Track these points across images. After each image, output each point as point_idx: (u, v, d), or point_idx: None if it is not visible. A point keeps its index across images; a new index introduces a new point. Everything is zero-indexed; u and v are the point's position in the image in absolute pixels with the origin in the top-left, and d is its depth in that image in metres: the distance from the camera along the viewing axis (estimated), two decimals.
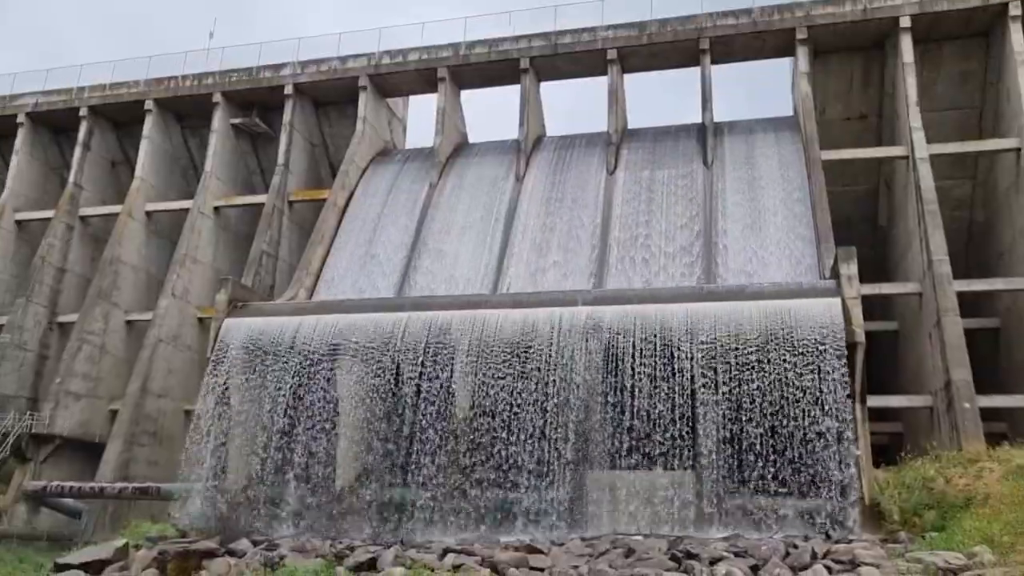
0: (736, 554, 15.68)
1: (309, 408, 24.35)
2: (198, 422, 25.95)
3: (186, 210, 37.77)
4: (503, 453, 22.42)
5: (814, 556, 15.06)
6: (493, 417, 22.74)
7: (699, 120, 34.69)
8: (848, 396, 20.61)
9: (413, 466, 23.07)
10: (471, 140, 39.74)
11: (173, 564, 15.62)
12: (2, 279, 39.97)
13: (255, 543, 18.78)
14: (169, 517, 24.78)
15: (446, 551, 17.04)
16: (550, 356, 22.69)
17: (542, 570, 15.14)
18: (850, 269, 22.05)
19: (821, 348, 20.99)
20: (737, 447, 21.17)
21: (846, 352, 20.80)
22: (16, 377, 36.43)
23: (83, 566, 17.18)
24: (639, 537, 18.98)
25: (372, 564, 15.77)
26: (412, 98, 43.43)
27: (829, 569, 13.84)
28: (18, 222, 40.77)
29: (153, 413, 33.43)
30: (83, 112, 40.49)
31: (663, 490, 21.29)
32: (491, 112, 74.42)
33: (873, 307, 28.95)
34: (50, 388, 34.65)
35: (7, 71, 43.14)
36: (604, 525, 21.01)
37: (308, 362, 24.68)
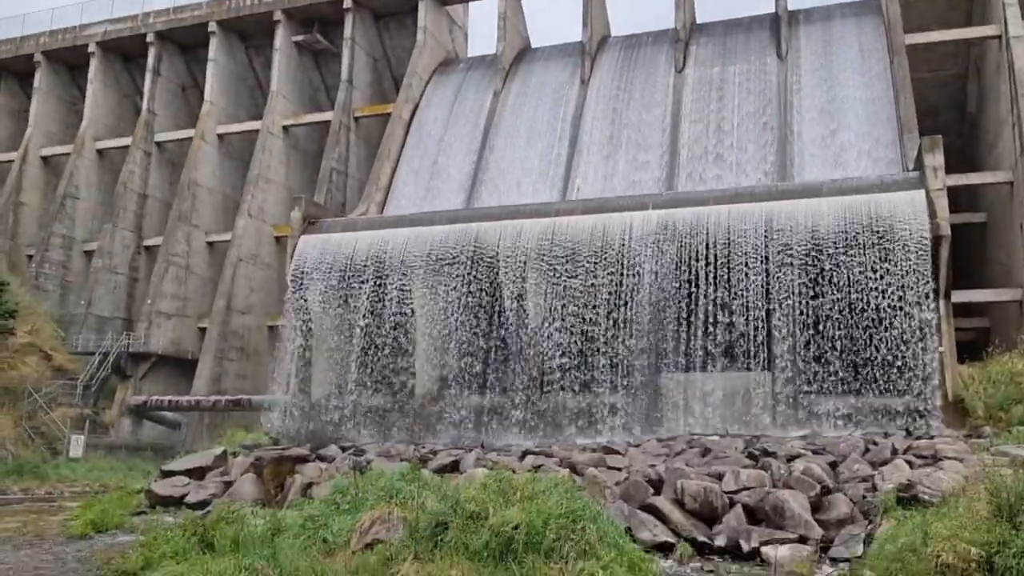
0: (814, 451, 15.68)
1: (387, 320, 24.98)
2: (281, 337, 27.00)
3: (256, 131, 38.28)
4: (578, 359, 22.70)
5: (894, 452, 14.96)
6: (567, 324, 22.93)
7: (772, 9, 32.96)
8: (932, 292, 20.00)
9: (491, 374, 23.60)
10: (534, 45, 38.79)
11: (269, 469, 16.55)
12: (88, 207, 41.59)
13: (343, 449, 19.69)
14: (262, 427, 26.15)
15: (526, 453, 17.57)
16: (622, 261, 22.58)
17: (619, 469, 15.47)
18: (935, 159, 21.03)
19: (904, 243, 20.30)
20: (815, 346, 20.89)
21: (930, 247, 20.07)
22: (111, 300, 38.32)
23: (187, 472, 18.40)
24: (715, 437, 19.15)
25: (455, 466, 16.39)
26: (472, 5, 42.42)
27: (911, 464, 13.74)
28: (99, 151, 42.08)
29: (239, 330, 34.89)
30: (150, 38, 40.99)
31: (739, 391, 21.31)
32: (554, 14, 72.25)
33: (959, 199, 27.67)
34: (142, 309, 36.38)
35: (75, 1, 43.42)
36: (680, 427, 21.24)
37: (383, 276, 25.18)
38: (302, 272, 26.23)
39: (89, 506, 16.60)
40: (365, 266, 25.42)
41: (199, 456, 19.97)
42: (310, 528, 10.97)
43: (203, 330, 35.74)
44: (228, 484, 16.78)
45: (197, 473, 18.28)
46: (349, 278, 25.51)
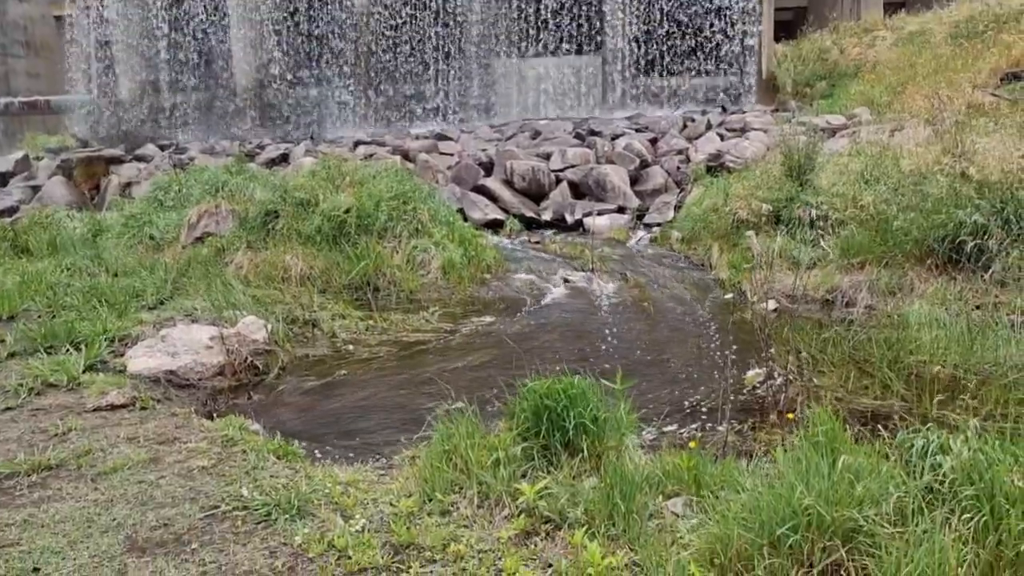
0: (637, 130, 16.42)
1: (195, 7, 22.52)
2: (72, 28, 23.98)
3: None
4: (409, 46, 21.75)
5: (709, 127, 15.90)
6: (396, 9, 21.59)
7: None
8: None
9: (317, 65, 22.32)
10: None
11: (79, 170, 15.48)
12: None
13: (162, 148, 18.65)
14: (67, 129, 24.05)
15: (357, 144, 17.32)
16: None
17: (452, 155, 15.66)
18: None
19: None
20: (642, 29, 20.99)
21: None
22: None
23: None
24: (545, 121, 19.53)
25: (284, 159, 16.00)
26: None
27: (722, 137, 14.72)
28: None
29: (18, 19, 30.46)
30: None
31: (570, 76, 21.43)
32: None
33: None
34: None
35: None
36: (513, 112, 21.41)
37: None
38: None
39: None
40: None
41: None
42: (133, 227, 10.60)
43: None
44: (35, 189, 15.65)
45: None
46: None
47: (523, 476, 3.51)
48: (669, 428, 4.93)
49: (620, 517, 3.07)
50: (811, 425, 3.23)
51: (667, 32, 20.92)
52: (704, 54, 20.91)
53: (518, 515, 3.25)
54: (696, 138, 15.11)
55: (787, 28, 24.46)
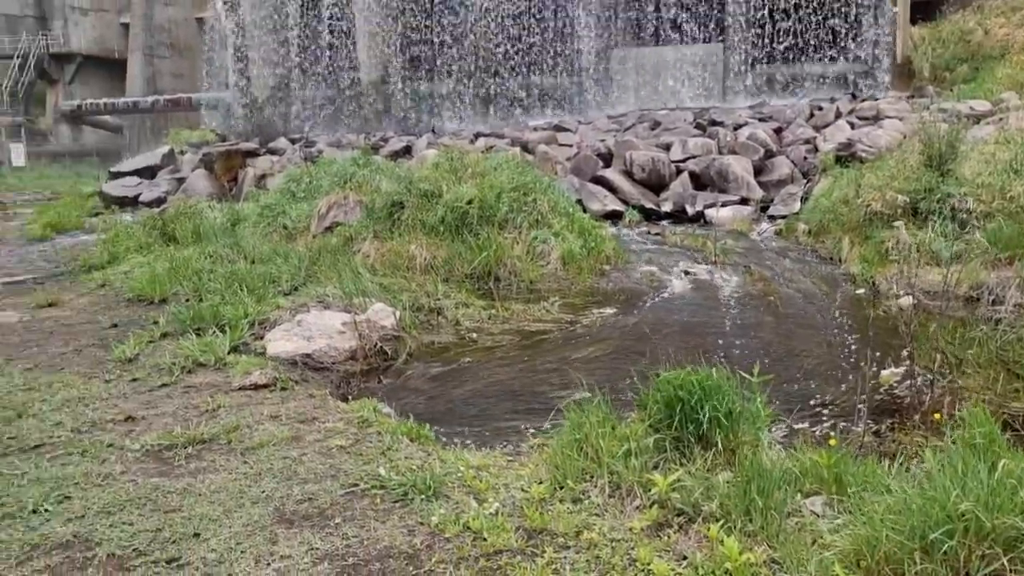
0: (760, 119, 15.93)
1: (325, 8, 23.40)
2: (212, 31, 25.39)
3: None
4: (528, 39, 21.87)
5: (838, 115, 15.24)
6: (514, 4, 21.76)
7: None
8: None
9: (438, 59, 22.77)
10: None
11: (219, 163, 16.40)
12: None
13: (293, 142, 19.49)
14: (207, 125, 25.52)
15: (477, 136, 17.59)
16: None
17: (570, 146, 15.64)
18: None
19: None
20: (768, 14, 20.31)
21: None
22: None
23: (136, 172, 18.22)
24: (665, 111, 19.23)
25: (407, 151, 16.42)
26: None
27: (852, 125, 14.07)
28: None
29: (164, 24, 32.55)
30: None
31: (690, 64, 21.01)
32: None
33: None
34: (54, 4, 33.46)
35: None
36: (631, 103, 21.19)
37: None
38: None
39: (44, 210, 16.54)
40: None
41: (147, 156, 19.66)
42: (268, 216, 11.15)
43: (126, 26, 33.31)
44: (180, 181, 16.71)
45: (147, 173, 18.11)
46: None
47: (655, 467, 3.50)
48: (800, 426, 4.78)
49: (757, 513, 3.01)
50: (965, 427, 3.07)
51: (793, 16, 20.16)
52: (833, 39, 20.05)
53: (650, 506, 3.24)
54: (824, 127, 14.51)
55: (924, 9, 23.06)
